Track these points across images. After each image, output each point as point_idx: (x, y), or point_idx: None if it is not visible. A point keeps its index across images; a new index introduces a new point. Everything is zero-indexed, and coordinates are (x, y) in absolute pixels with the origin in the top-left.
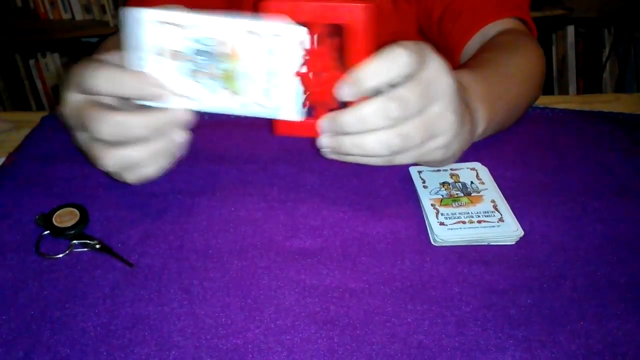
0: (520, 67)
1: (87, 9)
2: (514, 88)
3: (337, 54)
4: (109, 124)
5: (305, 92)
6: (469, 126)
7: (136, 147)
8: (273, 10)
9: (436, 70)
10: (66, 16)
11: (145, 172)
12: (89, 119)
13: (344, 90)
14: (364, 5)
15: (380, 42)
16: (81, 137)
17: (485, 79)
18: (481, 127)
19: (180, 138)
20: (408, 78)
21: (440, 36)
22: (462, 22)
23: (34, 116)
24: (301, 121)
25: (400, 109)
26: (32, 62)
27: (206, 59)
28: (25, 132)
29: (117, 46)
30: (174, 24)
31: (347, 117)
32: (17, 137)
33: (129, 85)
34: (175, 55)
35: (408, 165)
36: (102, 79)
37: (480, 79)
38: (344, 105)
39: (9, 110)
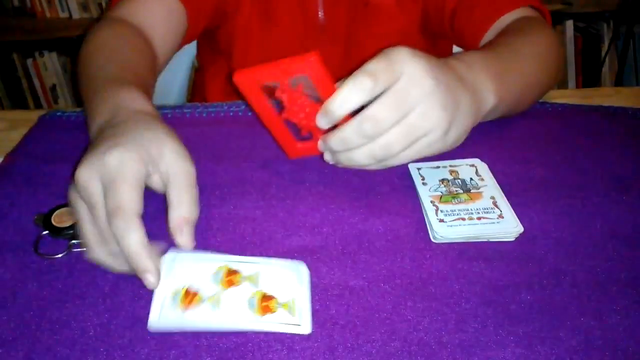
0: (533, 44)
1: (84, 7)
2: (527, 64)
3: (308, 90)
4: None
5: (297, 127)
6: (471, 107)
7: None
8: (244, 79)
9: (411, 77)
10: (63, 15)
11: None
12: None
13: (321, 121)
14: (314, 55)
15: (386, 41)
16: (80, 208)
17: (494, 54)
18: (491, 101)
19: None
20: (383, 92)
21: (454, 31)
22: (477, 15)
23: (31, 115)
24: (306, 145)
25: (374, 127)
26: (29, 61)
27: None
28: (23, 131)
29: (105, 45)
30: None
31: (332, 140)
32: (15, 136)
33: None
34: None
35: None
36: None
37: (488, 56)
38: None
39: (7, 109)
